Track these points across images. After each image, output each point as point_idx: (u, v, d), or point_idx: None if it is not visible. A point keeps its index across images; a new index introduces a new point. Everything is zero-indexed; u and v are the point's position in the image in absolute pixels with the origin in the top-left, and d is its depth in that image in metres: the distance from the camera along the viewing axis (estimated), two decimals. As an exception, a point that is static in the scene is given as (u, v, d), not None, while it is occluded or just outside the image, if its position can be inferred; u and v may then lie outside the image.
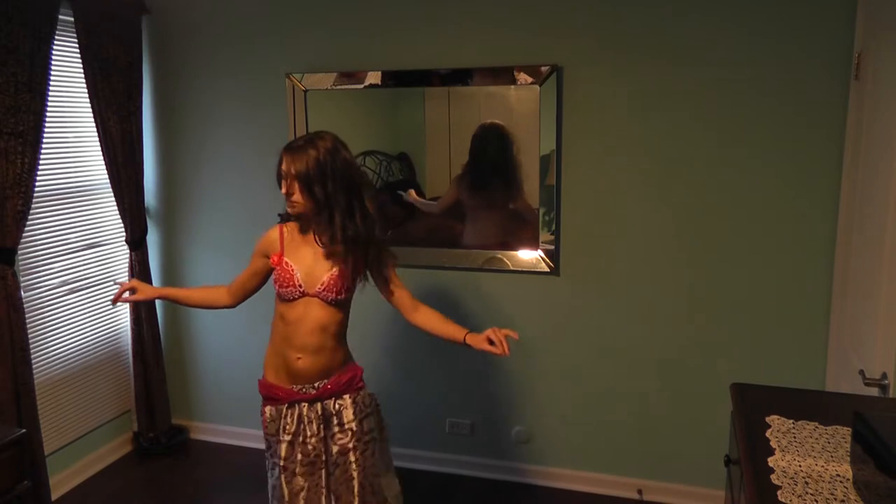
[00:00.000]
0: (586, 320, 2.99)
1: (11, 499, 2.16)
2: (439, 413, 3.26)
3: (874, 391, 1.84)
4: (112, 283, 3.34)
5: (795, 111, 2.61)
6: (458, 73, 2.93)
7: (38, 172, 2.74)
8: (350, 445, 2.11)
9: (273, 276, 2.12)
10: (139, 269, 3.33)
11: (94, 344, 3.29)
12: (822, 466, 1.39)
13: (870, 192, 2.16)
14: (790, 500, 1.28)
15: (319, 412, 2.11)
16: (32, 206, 2.74)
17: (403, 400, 3.25)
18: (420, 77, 2.99)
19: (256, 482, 3.12)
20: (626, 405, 3.01)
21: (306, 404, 2.11)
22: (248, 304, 2.37)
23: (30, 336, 2.82)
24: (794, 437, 1.51)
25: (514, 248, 3.01)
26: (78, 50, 2.97)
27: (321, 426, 2.11)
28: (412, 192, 3.10)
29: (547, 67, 2.81)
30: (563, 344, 3.03)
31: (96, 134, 3.08)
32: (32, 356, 2.82)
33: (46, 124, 2.76)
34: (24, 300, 2.76)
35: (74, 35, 2.96)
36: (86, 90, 3.02)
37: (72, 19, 2.93)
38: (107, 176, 3.16)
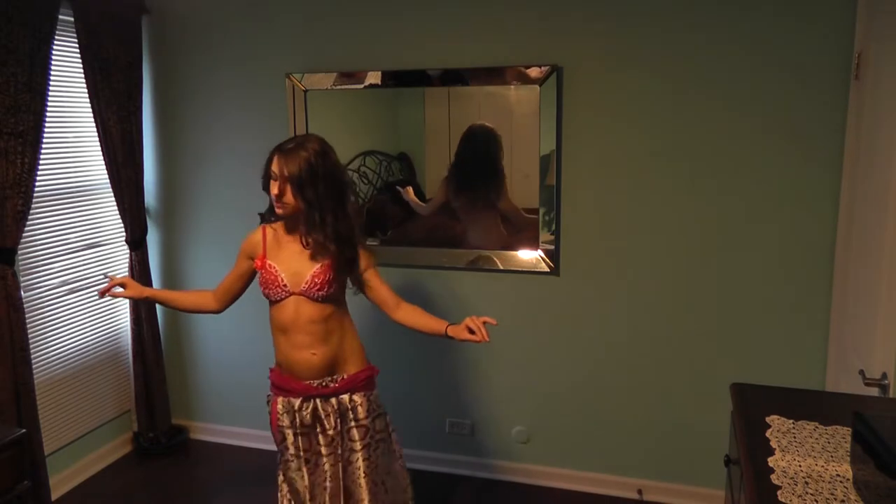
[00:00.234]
0: (586, 320, 2.99)
1: (11, 499, 2.16)
2: (439, 413, 3.26)
3: (874, 391, 1.84)
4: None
5: (795, 111, 2.61)
6: (458, 73, 2.93)
7: (38, 172, 2.74)
8: (364, 443, 2.14)
9: (258, 279, 2.13)
10: (139, 269, 3.33)
11: (94, 344, 3.29)
12: (822, 466, 1.39)
13: (870, 191, 2.16)
14: (790, 500, 1.28)
15: (336, 407, 2.14)
16: (32, 206, 2.74)
17: (403, 400, 3.25)
18: (420, 77, 2.99)
19: (256, 482, 3.12)
20: (626, 405, 3.01)
21: (321, 399, 2.13)
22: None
23: (30, 336, 2.81)
24: (794, 437, 1.51)
25: (514, 248, 3.01)
26: (78, 50, 2.97)
27: (338, 420, 2.13)
28: (410, 189, 3.10)
29: (547, 67, 2.81)
30: (563, 344, 3.03)
31: (96, 134, 3.08)
32: (32, 356, 2.82)
33: (46, 124, 2.76)
34: (24, 300, 2.76)
35: (74, 35, 2.96)
36: (86, 90, 3.02)
37: (72, 19, 2.93)
38: (107, 176, 3.16)
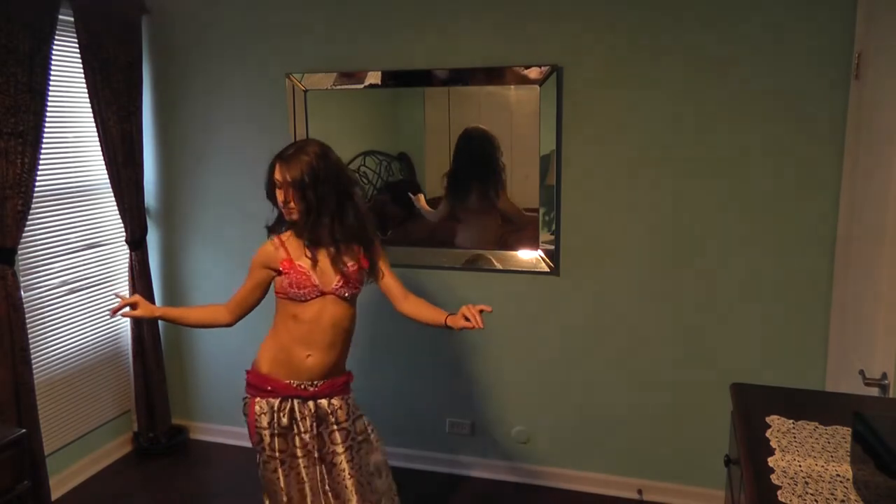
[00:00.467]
0: (586, 320, 2.99)
1: (11, 499, 2.17)
2: (439, 413, 3.26)
3: (874, 391, 1.84)
4: (112, 283, 3.34)
5: (796, 111, 2.61)
6: (458, 73, 2.93)
7: (38, 172, 2.74)
8: (346, 445, 2.16)
9: (281, 282, 2.12)
10: (139, 269, 3.33)
11: (94, 344, 3.29)
12: (822, 466, 1.39)
13: (870, 191, 2.16)
14: (790, 500, 1.28)
15: (313, 410, 2.15)
16: (32, 206, 2.74)
17: (403, 400, 3.25)
18: (420, 77, 2.99)
19: (256, 482, 3.12)
20: (626, 405, 3.00)
21: (299, 401, 2.14)
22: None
23: (30, 336, 2.81)
24: (794, 437, 1.51)
25: (514, 248, 3.01)
26: (78, 50, 2.97)
27: (314, 424, 2.15)
28: (421, 196, 3.11)
29: (547, 67, 2.81)
30: (563, 344, 3.03)
31: (96, 134, 3.08)
32: (32, 356, 2.82)
33: (46, 124, 2.76)
34: (24, 300, 2.76)
35: (74, 35, 2.96)
36: (86, 90, 3.02)
37: (72, 19, 2.93)
38: (107, 176, 3.16)
